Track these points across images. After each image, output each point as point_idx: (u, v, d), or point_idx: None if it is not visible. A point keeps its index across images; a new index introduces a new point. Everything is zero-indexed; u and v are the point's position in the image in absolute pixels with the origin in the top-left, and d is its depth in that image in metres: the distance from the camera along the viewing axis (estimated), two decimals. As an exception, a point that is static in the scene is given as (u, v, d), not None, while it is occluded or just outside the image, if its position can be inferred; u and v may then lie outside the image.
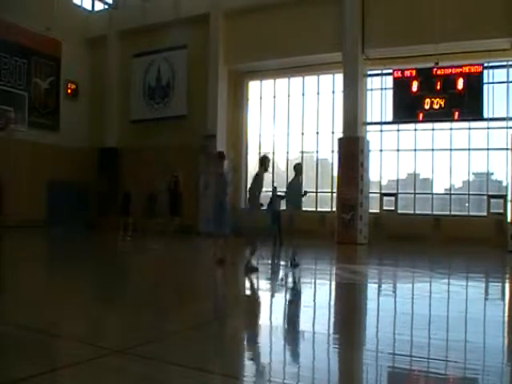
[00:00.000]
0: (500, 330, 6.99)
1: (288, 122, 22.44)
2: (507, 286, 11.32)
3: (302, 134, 22.14)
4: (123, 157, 23.91)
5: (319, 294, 9.76)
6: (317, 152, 22.00)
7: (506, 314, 8.27)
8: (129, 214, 17.42)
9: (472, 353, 5.70)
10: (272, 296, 9.16)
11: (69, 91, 24.44)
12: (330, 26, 19.30)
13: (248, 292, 9.47)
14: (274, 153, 22.64)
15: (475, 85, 18.31)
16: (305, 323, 7.00)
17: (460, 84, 18.40)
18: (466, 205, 19.78)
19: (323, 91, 21.84)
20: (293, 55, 20.19)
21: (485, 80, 18.50)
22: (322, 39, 19.37)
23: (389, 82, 20.09)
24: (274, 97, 22.86)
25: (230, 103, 22.37)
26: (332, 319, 7.64)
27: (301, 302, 8.73)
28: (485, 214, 18.84)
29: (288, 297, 9.14)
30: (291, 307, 8.29)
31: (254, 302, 8.59)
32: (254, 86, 23.41)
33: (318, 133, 21.81)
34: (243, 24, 20.92)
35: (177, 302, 7.82)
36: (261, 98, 23.14)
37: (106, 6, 25.72)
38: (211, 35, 21.68)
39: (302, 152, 22.23)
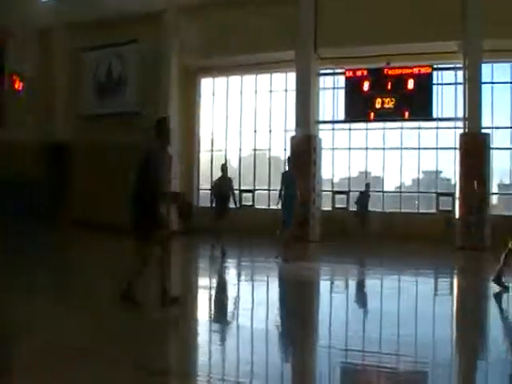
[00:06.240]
0: (448, 325, 7.12)
1: (240, 120, 22.37)
2: (455, 281, 11.58)
3: (255, 131, 22.11)
4: (72, 153, 23.33)
5: (273, 292, 9.75)
6: (269, 150, 22.02)
7: (454, 309, 8.44)
8: None
9: (422, 347, 5.78)
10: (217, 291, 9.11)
11: (14, 84, 23.61)
12: (284, 25, 19.26)
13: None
14: (226, 150, 22.56)
15: (425, 85, 18.63)
16: (254, 320, 6.97)
17: (410, 84, 18.68)
18: (416, 202, 20.16)
19: (276, 89, 21.86)
20: (245, 52, 20.10)
21: (434, 81, 18.84)
22: (275, 37, 19.29)
23: (341, 81, 20.25)
24: (227, 94, 22.75)
25: (182, 100, 22.12)
26: (285, 317, 7.64)
27: (254, 300, 8.70)
28: (434, 211, 19.23)
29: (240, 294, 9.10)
30: (237, 304, 8.26)
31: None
32: (206, 83, 23.25)
33: (270, 131, 21.81)
34: (197, 20, 20.68)
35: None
36: (213, 95, 23.01)
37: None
38: (164, 30, 21.31)
39: (255, 150, 22.21)
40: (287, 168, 14.12)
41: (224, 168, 14.21)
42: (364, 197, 18.02)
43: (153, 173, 6.77)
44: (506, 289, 8.73)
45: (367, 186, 18.24)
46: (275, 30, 19.26)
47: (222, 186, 13.70)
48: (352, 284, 10.82)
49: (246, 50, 19.95)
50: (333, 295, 9.49)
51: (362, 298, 9.24)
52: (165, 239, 6.92)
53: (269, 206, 21.39)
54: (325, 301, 9.00)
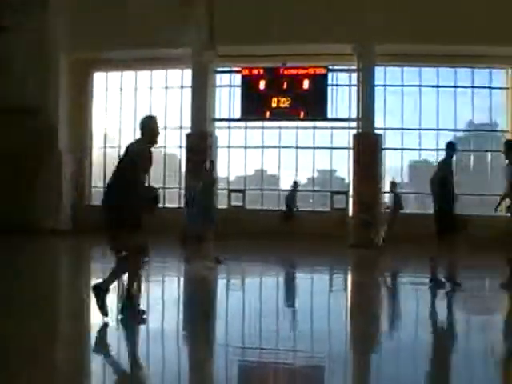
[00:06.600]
0: (342, 320, 7.16)
1: (135, 117, 21.72)
2: (349, 278, 11.79)
3: (149, 128, 21.57)
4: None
5: (168, 291, 9.50)
6: (164, 147, 21.58)
7: (349, 304, 8.52)
8: None
9: (318, 342, 5.71)
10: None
11: None
12: (180, 21, 18.92)
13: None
14: (119, 147, 21.84)
15: (320, 86, 18.90)
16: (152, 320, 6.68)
17: (306, 85, 18.89)
18: (311, 201, 20.48)
19: (171, 86, 21.48)
20: (141, 47, 19.53)
21: (329, 82, 19.15)
22: (171, 33, 18.93)
23: (237, 79, 20.16)
24: (121, 89, 22.08)
25: (73, 94, 21.16)
26: (180, 315, 7.42)
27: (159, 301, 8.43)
28: (328, 209, 19.56)
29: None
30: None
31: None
32: (99, 78, 22.43)
33: (165, 128, 21.33)
34: (88, 9, 19.79)
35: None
36: (107, 90, 22.25)
37: None
38: (52, 18, 20.14)
39: (150, 147, 21.68)
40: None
41: None
42: (292, 195, 18.22)
43: (133, 174, 6.11)
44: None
45: (295, 184, 18.47)
46: (172, 25, 18.89)
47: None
48: (251, 282, 10.72)
49: (141, 45, 19.40)
50: (232, 293, 9.34)
51: (260, 295, 9.14)
52: (132, 249, 6.24)
53: (164, 204, 20.96)
54: (224, 299, 8.82)
